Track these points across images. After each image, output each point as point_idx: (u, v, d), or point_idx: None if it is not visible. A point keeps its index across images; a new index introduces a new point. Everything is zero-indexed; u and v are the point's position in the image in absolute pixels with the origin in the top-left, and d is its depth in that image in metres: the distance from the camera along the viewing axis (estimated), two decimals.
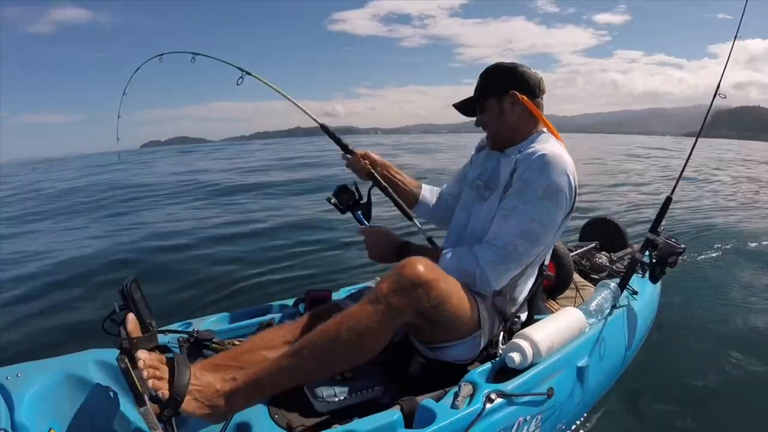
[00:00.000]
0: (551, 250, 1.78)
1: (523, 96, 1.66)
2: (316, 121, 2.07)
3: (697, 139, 2.39)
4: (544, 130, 1.70)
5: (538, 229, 1.52)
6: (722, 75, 2.32)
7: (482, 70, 1.77)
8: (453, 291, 1.43)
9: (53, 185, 14.16)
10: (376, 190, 1.94)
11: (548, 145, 1.59)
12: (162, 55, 2.32)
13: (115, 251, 4.78)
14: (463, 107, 1.83)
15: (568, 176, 1.52)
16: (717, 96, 2.31)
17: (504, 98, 1.67)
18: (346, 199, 1.91)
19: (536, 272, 1.74)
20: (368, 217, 1.94)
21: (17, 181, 17.47)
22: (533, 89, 1.69)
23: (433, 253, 1.63)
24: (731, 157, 22.76)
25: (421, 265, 1.36)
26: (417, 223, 1.93)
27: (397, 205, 1.93)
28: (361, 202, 1.93)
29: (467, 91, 1.80)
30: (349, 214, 1.94)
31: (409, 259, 1.39)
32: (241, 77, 2.13)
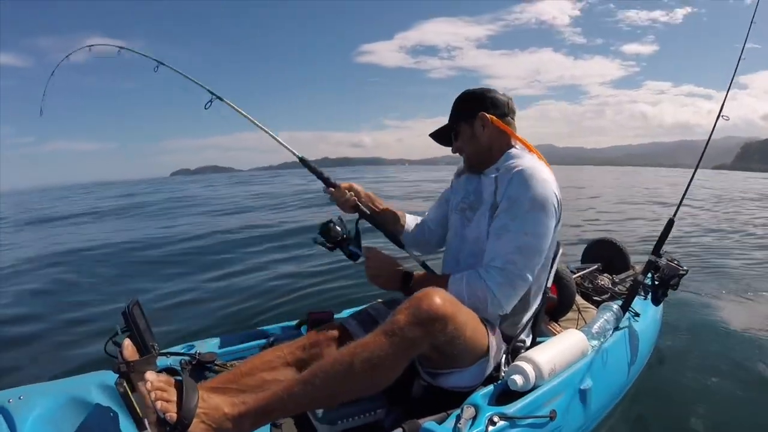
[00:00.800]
0: (553, 273, 1.79)
1: (491, 116, 1.71)
2: (294, 154, 1.97)
3: (697, 166, 2.40)
4: (517, 145, 1.75)
5: (532, 241, 1.54)
6: (725, 97, 2.36)
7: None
8: (469, 324, 1.43)
9: None
10: (363, 222, 1.91)
11: (524, 160, 1.63)
12: (91, 46, 2.35)
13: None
14: (439, 137, 1.89)
15: (550, 185, 1.56)
16: (721, 117, 2.33)
17: (474, 121, 1.73)
18: (333, 235, 1.84)
19: (540, 296, 1.74)
20: (356, 256, 1.88)
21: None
22: (501, 109, 1.74)
23: (440, 279, 1.63)
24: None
25: (439, 299, 1.35)
26: (409, 250, 1.94)
27: (387, 234, 1.95)
28: (347, 237, 1.86)
29: None
30: (338, 251, 1.87)
31: (427, 290, 1.38)
32: (210, 101, 2.06)
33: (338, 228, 1.83)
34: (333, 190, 1.91)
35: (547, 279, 1.81)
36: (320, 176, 1.94)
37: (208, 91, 2.07)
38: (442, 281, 1.59)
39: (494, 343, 1.54)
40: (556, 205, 1.56)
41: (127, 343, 1.32)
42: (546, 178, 1.56)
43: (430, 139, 1.91)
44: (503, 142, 1.74)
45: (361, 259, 1.82)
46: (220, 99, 2.06)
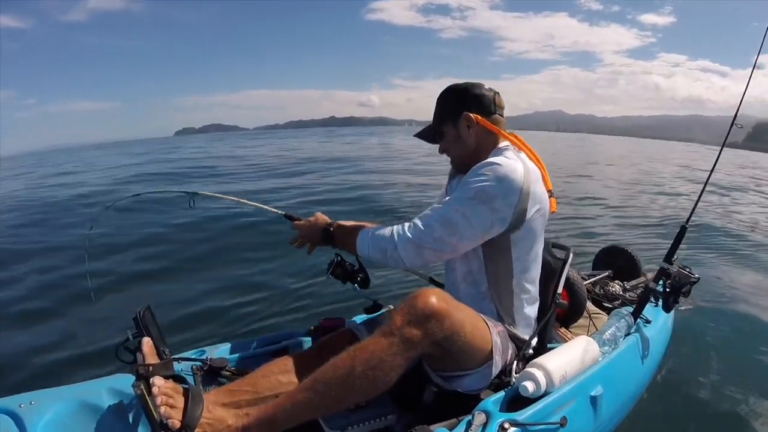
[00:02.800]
0: (539, 263, 1.73)
1: (476, 116, 1.66)
2: (277, 212, 2.08)
3: (715, 164, 2.36)
4: (506, 144, 1.68)
5: (460, 220, 1.49)
6: (742, 98, 2.30)
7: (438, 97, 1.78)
8: (467, 320, 1.42)
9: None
10: None
11: (500, 157, 1.56)
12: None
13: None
14: (425, 135, 1.83)
15: (508, 184, 1.49)
16: (734, 126, 2.31)
17: (459, 122, 1.68)
18: (341, 272, 1.94)
19: (535, 292, 1.73)
20: (366, 283, 1.96)
21: None
22: (487, 107, 1.68)
23: (354, 231, 1.67)
24: None
25: (433, 296, 1.36)
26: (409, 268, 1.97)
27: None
28: (354, 269, 1.95)
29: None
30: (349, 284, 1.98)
31: (422, 290, 1.39)
32: (191, 200, 2.18)
33: (344, 264, 1.95)
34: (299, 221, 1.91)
35: (557, 285, 1.81)
36: (290, 217, 2.00)
37: (185, 193, 2.21)
38: (355, 232, 1.65)
39: (498, 340, 1.53)
40: (506, 205, 1.50)
41: (147, 341, 1.34)
42: (506, 175, 1.49)
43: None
44: (491, 141, 1.69)
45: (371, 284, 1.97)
46: (196, 193, 2.20)
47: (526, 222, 1.55)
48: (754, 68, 2.35)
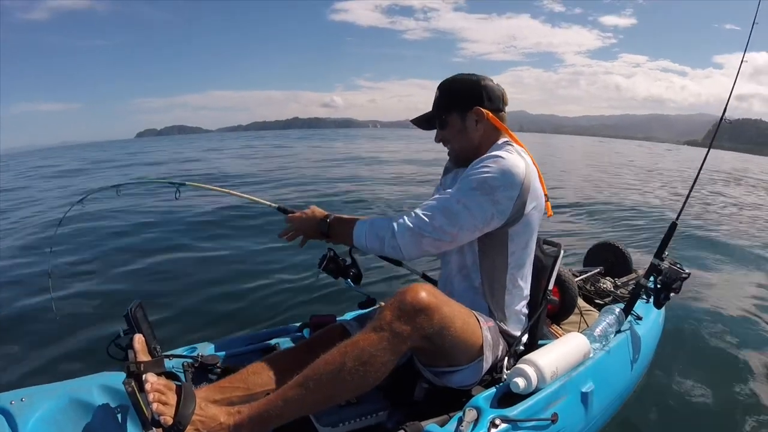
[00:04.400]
0: (531, 257, 1.72)
1: (488, 111, 1.64)
2: (270, 204, 2.02)
3: (703, 164, 2.38)
4: (507, 139, 1.67)
5: (461, 210, 1.48)
6: (730, 94, 2.35)
7: (441, 83, 1.73)
8: (456, 315, 1.43)
9: None
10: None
11: (502, 151, 1.57)
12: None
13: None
14: (421, 121, 1.81)
15: (510, 177, 1.49)
16: (724, 121, 2.35)
17: (468, 114, 1.65)
18: (333, 267, 1.92)
19: (526, 288, 1.73)
20: (358, 279, 1.96)
21: None
22: (497, 103, 1.67)
23: (351, 221, 1.67)
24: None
25: (423, 291, 1.36)
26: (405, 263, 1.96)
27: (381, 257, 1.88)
28: (347, 264, 1.94)
29: None
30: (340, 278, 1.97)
31: (412, 285, 1.40)
32: (177, 190, 2.10)
33: (337, 259, 1.93)
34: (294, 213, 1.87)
35: (548, 281, 1.81)
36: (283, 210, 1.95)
37: (170, 183, 2.14)
38: (353, 222, 1.65)
39: (489, 335, 1.53)
40: (507, 198, 1.50)
41: (139, 338, 1.33)
42: (509, 169, 1.49)
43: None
44: (494, 137, 1.67)
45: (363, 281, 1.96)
46: (183, 184, 2.12)
47: (524, 217, 1.55)
48: (742, 63, 2.35)
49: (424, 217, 1.51)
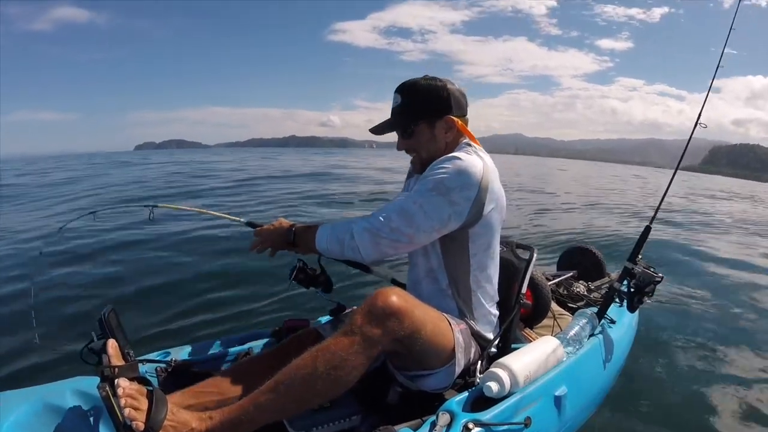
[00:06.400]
0: (496, 260, 1.73)
1: (457, 119, 1.64)
2: (239, 220, 2.05)
3: (675, 171, 2.44)
4: (468, 141, 1.67)
5: (417, 211, 1.49)
6: (704, 103, 2.43)
7: (402, 87, 1.67)
8: (428, 318, 1.43)
9: None
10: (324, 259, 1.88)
11: (461, 152, 1.57)
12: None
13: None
14: (380, 130, 1.76)
15: (466, 177, 1.49)
16: (698, 125, 2.39)
17: (437, 123, 1.64)
18: (303, 277, 1.92)
19: (492, 290, 1.73)
20: (329, 287, 1.96)
21: None
22: (463, 109, 1.67)
23: (314, 227, 1.67)
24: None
25: (393, 295, 1.37)
26: (372, 268, 1.97)
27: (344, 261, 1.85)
28: (317, 273, 1.94)
29: None
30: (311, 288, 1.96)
31: (382, 289, 1.40)
32: (151, 212, 2.16)
33: (306, 269, 1.92)
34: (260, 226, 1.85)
35: (521, 284, 1.82)
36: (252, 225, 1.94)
37: (144, 206, 2.20)
38: (316, 228, 1.66)
39: (461, 338, 1.54)
40: (464, 199, 1.50)
41: (113, 343, 1.32)
42: (466, 169, 1.49)
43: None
44: (457, 141, 1.68)
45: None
46: (156, 206, 2.17)
47: (483, 218, 1.56)
48: (718, 68, 2.41)
49: (381, 218, 1.52)
